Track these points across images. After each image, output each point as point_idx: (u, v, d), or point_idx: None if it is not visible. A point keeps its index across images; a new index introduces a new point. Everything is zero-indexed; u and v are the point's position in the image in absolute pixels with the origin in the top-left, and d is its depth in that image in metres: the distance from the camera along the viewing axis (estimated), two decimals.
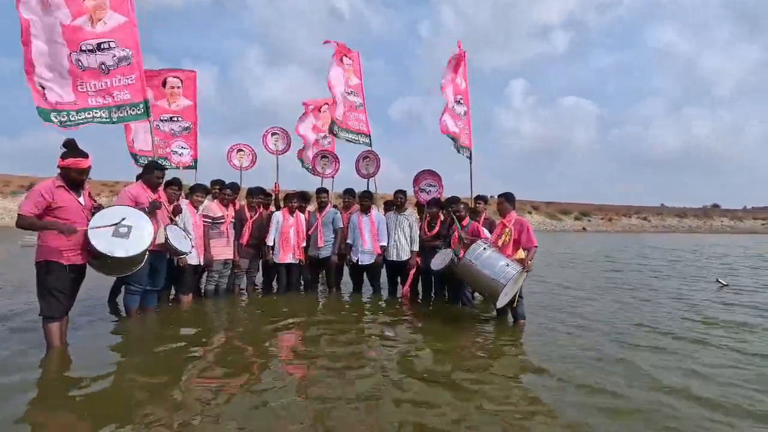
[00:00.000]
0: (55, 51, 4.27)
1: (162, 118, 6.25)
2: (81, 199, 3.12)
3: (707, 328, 4.26)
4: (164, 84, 6.24)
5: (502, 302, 4.00)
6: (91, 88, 4.50)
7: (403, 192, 5.69)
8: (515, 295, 4.13)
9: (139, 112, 4.78)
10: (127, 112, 4.73)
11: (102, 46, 4.51)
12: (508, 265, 3.88)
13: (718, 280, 7.38)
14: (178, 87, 6.28)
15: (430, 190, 5.84)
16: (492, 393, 2.60)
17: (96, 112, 4.57)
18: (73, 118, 4.45)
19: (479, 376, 2.89)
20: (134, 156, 6.39)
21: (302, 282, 5.74)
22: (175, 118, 6.33)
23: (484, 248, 4.05)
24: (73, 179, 3.07)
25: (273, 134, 6.94)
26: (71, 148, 3.08)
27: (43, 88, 4.24)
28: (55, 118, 4.34)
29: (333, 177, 6.81)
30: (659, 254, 14.50)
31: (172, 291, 4.98)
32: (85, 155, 3.08)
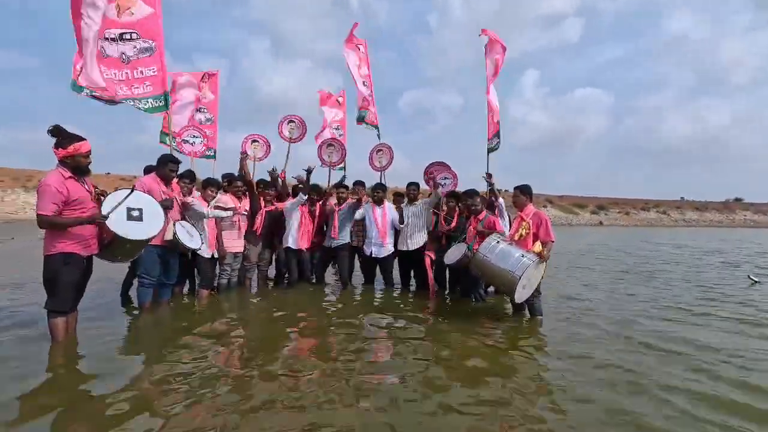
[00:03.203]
0: (91, 35, 4.37)
1: (199, 108, 6.84)
2: (86, 187, 3.02)
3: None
4: (202, 78, 6.93)
5: (520, 296, 3.84)
6: (114, 76, 4.56)
7: (416, 184, 5.65)
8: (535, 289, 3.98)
9: (160, 104, 4.85)
10: (151, 103, 4.80)
11: (124, 37, 4.57)
12: (523, 257, 3.73)
13: (749, 277, 7.13)
14: (207, 81, 6.98)
15: (445, 183, 5.71)
16: (508, 395, 2.48)
17: (125, 102, 4.62)
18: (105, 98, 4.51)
19: (495, 376, 2.77)
20: (164, 136, 6.53)
21: (313, 275, 5.74)
22: (203, 109, 6.87)
23: (498, 241, 3.91)
24: (81, 165, 2.95)
25: (289, 122, 6.87)
26: (64, 134, 2.92)
27: (81, 69, 4.35)
28: (87, 92, 4.42)
29: (339, 165, 6.73)
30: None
31: (184, 287, 4.97)
32: (81, 137, 2.97)
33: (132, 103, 4.65)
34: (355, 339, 3.47)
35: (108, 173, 41.51)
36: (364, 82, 7.31)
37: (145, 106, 4.75)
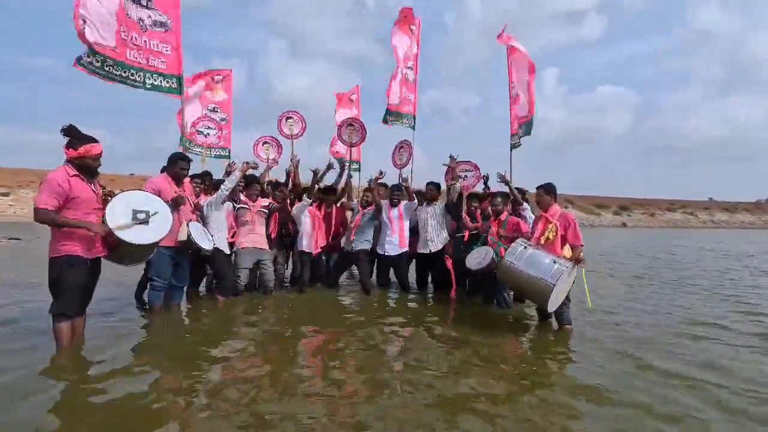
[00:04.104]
0: None
1: (209, 107, 6.73)
2: (93, 187, 2.94)
3: None
4: (213, 79, 6.85)
5: (553, 306, 3.56)
6: (131, 39, 4.40)
7: (436, 184, 5.43)
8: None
9: (173, 86, 4.71)
10: (161, 82, 4.64)
11: (141, 2, 4.49)
12: (555, 262, 3.43)
13: None
14: (220, 81, 6.86)
15: (466, 176, 5.43)
16: (533, 416, 2.25)
17: (132, 72, 4.43)
18: (108, 69, 4.31)
19: (519, 391, 2.55)
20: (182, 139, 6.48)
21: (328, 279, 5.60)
22: (217, 109, 6.79)
23: (525, 246, 3.61)
24: (90, 167, 2.88)
25: (287, 118, 6.74)
26: (76, 134, 2.86)
27: (84, 22, 4.11)
28: (88, 58, 4.17)
29: (359, 146, 6.55)
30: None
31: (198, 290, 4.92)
32: (94, 139, 2.89)
33: (138, 77, 4.43)
34: (371, 347, 3.29)
35: (132, 174, 42.37)
36: (410, 65, 7.00)
37: (153, 83, 4.56)
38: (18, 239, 13.14)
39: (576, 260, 3.53)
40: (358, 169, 7.16)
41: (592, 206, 52.78)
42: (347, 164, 5.76)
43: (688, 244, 18.20)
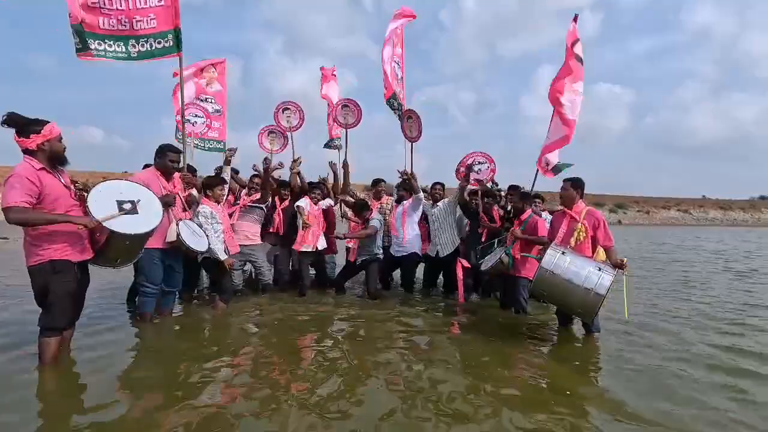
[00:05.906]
0: None
1: (201, 97, 6.29)
2: (62, 180, 2.58)
3: None
4: (205, 69, 6.37)
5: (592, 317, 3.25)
6: (106, 2, 3.72)
7: (441, 184, 5.18)
8: None
9: (167, 45, 3.98)
10: (151, 44, 3.94)
11: None
12: (600, 270, 3.07)
13: None
14: (214, 72, 6.42)
15: (480, 169, 4.96)
16: None
17: (109, 44, 3.79)
18: (83, 43, 3.70)
19: (540, 413, 2.24)
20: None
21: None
22: (210, 99, 6.34)
23: (563, 252, 3.19)
24: (59, 151, 2.52)
25: (284, 110, 6.37)
26: (26, 120, 2.47)
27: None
28: (83, 45, 3.68)
29: (353, 128, 6.20)
30: None
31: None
32: (46, 120, 2.52)
33: (114, 48, 3.81)
34: (378, 357, 2.98)
35: (125, 172, 41.55)
36: (397, 61, 6.76)
37: (141, 50, 3.89)
38: (5, 238, 12.69)
39: (618, 266, 3.17)
40: (341, 146, 6.77)
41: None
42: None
43: (696, 243, 18.06)
